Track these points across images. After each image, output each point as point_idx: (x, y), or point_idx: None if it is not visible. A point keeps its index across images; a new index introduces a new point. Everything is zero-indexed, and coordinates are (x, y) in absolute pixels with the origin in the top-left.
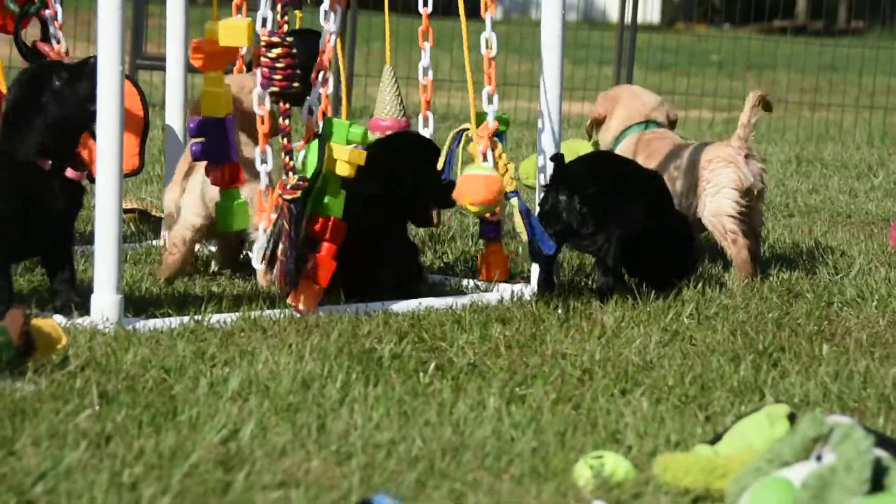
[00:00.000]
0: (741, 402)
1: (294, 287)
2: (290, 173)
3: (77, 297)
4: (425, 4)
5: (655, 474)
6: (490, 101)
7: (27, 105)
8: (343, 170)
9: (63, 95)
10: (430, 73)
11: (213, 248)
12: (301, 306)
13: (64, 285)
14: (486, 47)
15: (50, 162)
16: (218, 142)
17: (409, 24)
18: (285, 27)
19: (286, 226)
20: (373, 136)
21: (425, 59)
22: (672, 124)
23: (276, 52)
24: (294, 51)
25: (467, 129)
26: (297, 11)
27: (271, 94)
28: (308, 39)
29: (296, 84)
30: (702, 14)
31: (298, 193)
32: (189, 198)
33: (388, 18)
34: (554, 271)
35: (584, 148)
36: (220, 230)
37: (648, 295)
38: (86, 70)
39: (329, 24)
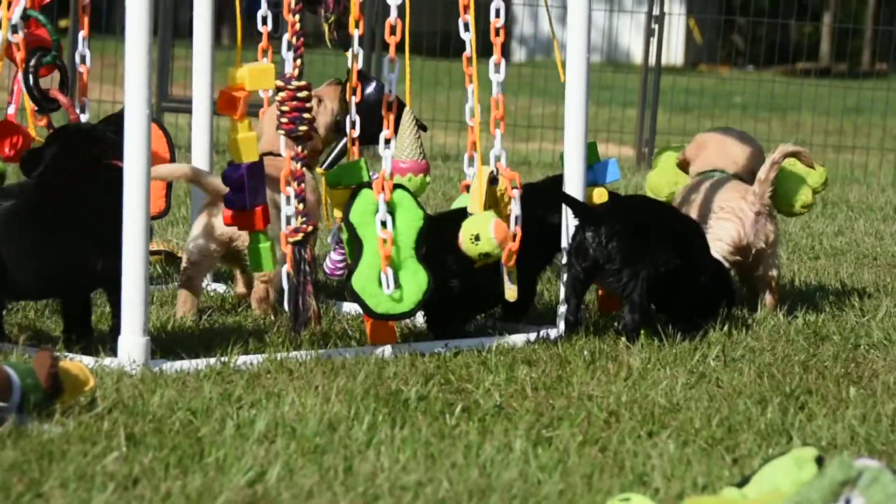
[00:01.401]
0: (768, 444)
1: (298, 330)
2: (298, 217)
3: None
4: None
5: None
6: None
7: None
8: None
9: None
10: None
11: (238, 290)
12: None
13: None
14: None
15: None
16: (255, 186)
17: (433, 66)
18: (296, 71)
19: (303, 268)
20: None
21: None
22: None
23: (281, 95)
24: (301, 94)
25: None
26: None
27: (296, 136)
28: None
29: (302, 128)
30: (725, 56)
31: (300, 237)
32: (199, 224)
33: (408, 61)
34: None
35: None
36: (253, 271)
37: (675, 337)
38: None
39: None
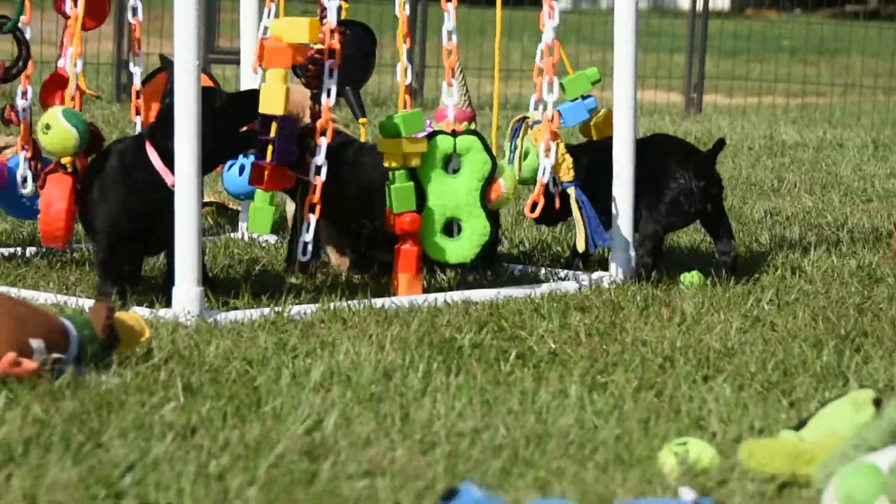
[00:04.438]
0: (824, 387)
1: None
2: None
3: None
4: None
5: (740, 461)
6: (550, 90)
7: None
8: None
9: (219, 119)
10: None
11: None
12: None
13: None
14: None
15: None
16: (281, 140)
17: (480, 14)
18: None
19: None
20: (437, 126)
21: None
22: None
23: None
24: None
25: (527, 118)
26: (343, 3)
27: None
28: (357, 31)
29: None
30: (772, 0)
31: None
32: None
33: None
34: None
35: None
36: (250, 231)
37: (728, 281)
38: (249, 100)
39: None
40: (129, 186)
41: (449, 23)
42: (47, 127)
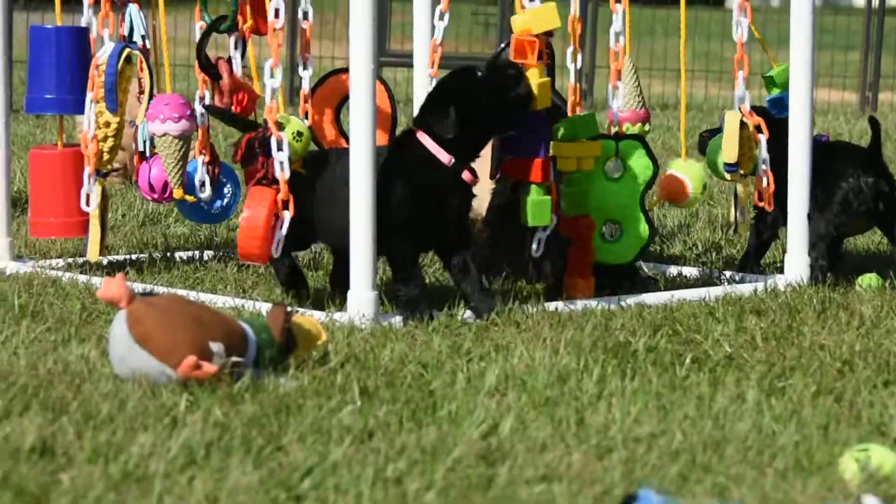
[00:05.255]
0: None
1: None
2: None
3: (486, 301)
4: None
5: None
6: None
7: (452, 95)
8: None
9: (492, 97)
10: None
11: None
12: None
13: (470, 286)
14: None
15: (452, 158)
16: (532, 135)
17: (651, 14)
18: None
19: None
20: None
21: None
22: None
23: None
24: None
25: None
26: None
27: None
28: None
29: None
30: None
31: None
32: None
33: (628, 9)
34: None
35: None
36: (528, 224)
37: None
38: (515, 79)
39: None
40: (412, 175)
41: (617, 24)
42: (299, 134)
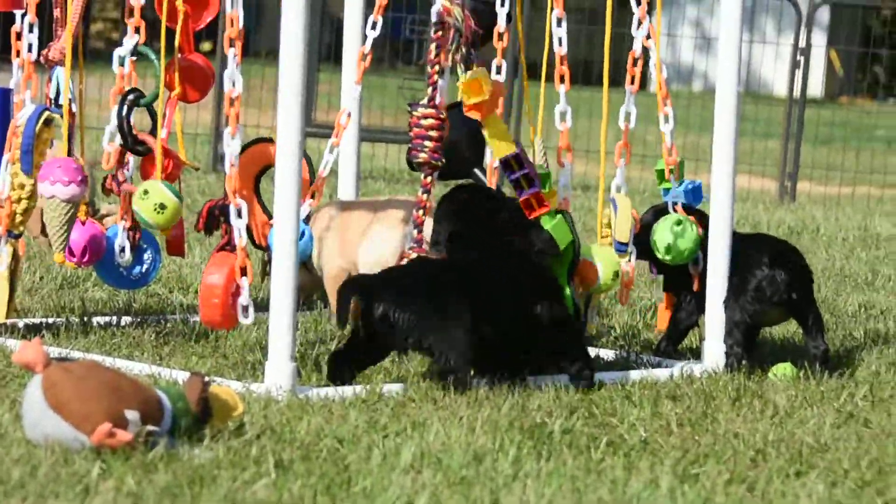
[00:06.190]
0: None
1: None
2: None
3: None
4: None
5: None
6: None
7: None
8: None
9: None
10: None
11: None
12: None
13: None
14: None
15: None
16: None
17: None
18: (427, 98)
19: None
20: None
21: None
22: None
23: (429, 122)
24: (425, 122)
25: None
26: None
27: (417, 163)
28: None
29: (422, 155)
30: (867, 88)
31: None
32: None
33: (543, 90)
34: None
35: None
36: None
37: (821, 375)
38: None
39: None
40: None
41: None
42: (145, 193)
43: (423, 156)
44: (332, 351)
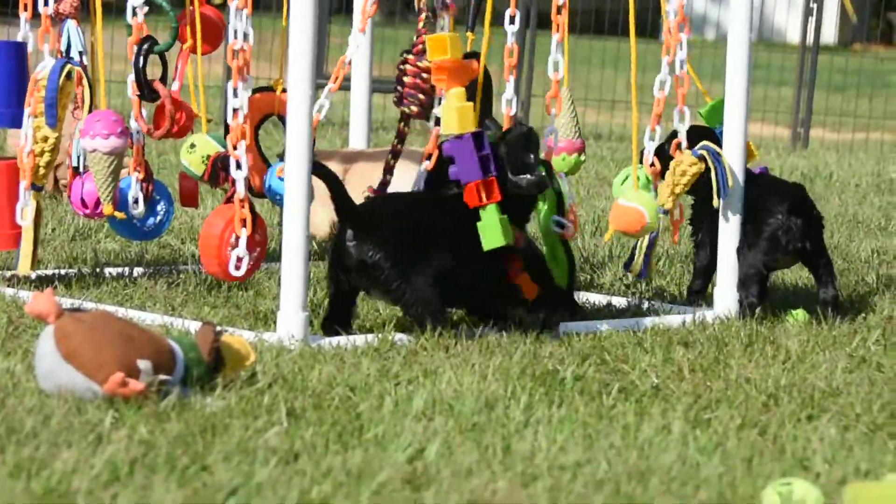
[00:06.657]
0: None
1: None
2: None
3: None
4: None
5: (845, 503)
6: (682, 120)
7: None
8: None
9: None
10: None
11: None
12: None
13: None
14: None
15: None
16: (467, 159)
17: (587, 44)
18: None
19: None
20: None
21: None
22: None
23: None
24: (425, 74)
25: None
26: (469, 34)
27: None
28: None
29: (413, 108)
30: (880, 35)
31: None
32: None
33: (566, 39)
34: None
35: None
36: (486, 247)
37: (833, 320)
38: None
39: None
40: None
41: (555, 53)
42: (192, 146)
43: (414, 108)
44: (322, 318)
